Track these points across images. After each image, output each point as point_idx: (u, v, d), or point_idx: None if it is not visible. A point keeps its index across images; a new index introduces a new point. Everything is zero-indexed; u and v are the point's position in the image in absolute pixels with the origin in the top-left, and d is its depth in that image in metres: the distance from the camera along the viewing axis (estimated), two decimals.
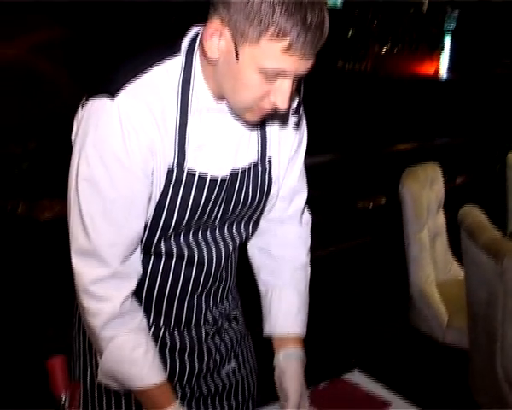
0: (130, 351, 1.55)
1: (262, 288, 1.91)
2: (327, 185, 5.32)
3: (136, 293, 1.64)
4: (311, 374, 2.09)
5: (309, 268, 1.92)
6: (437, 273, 4.04)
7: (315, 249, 1.94)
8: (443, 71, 14.64)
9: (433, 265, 3.97)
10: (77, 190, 1.48)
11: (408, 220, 3.84)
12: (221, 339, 1.86)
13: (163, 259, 1.66)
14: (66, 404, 1.24)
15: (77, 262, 1.52)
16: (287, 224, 1.87)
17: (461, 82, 12.91)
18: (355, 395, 1.97)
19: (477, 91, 11.29)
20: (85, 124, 1.48)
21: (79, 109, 1.53)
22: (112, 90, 1.46)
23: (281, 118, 1.67)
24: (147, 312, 1.69)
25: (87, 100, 1.50)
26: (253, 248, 1.92)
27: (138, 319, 1.60)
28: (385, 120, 9.88)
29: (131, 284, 1.58)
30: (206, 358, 1.83)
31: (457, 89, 12.30)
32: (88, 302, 1.53)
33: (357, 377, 2.07)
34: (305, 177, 1.87)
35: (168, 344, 1.76)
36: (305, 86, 1.58)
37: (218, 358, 1.86)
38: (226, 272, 1.78)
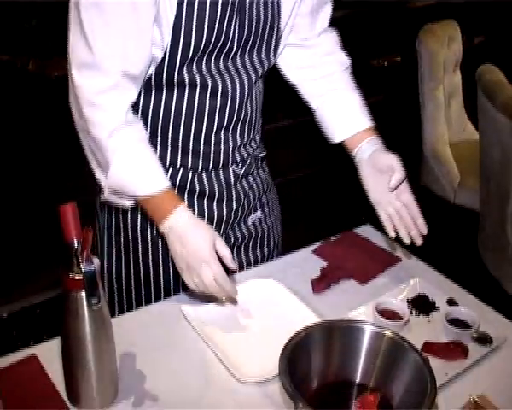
0: (135, 160, 1.55)
1: (317, 101, 1.88)
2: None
3: (163, 133, 1.67)
4: (321, 229, 2.10)
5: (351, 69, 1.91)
6: (451, 134, 4.00)
7: None
8: None
9: (447, 125, 3.93)
10: (77, 3, 1.45)
11: (424, 77, 3.77)
12: (249, 185, 1.86)
13: (186, 90, 1.63)
14: (79, 250, 1.23)
15: (78, 76, 1.50)
16: (319, 38, 1.86)
17: None
18: (366, 248, 1.97)
19: None
20: None
21: None
22: None
23: None
24: (174, 153, 1.70)
25: None
26: (297, 78, 1.90)
27: (142, 130, 1.60)
28: None
29: (133, 95, 1.57)
30: (234, 205, 1.83)
31: None
32: (92, 114, 1.52)
33: (369, 232, 2.08)
34: None
35: (197, 190, 1.75)
36: None
37: (245, 205, 1.86)
38: (251, 106, 1.75)
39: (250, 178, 1.86)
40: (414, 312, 1.70)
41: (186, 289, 1.73)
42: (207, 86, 1.63)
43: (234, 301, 1.66)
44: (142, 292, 1.84)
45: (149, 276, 1.81)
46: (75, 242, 1.25)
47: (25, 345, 1.52)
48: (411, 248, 1.97)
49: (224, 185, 1.79)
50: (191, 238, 1.52)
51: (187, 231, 1.53)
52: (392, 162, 1.71)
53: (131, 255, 1.81)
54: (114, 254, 1.84)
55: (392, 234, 1.73)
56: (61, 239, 1.26)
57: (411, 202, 1.73)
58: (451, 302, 1.72)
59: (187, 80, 1.61)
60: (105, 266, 1.86)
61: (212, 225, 1.78)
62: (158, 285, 1.82)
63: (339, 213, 3.74)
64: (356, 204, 4.24)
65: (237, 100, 1.69)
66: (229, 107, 1.68)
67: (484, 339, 1.60)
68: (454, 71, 4.01)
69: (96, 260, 1.25)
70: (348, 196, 4.35)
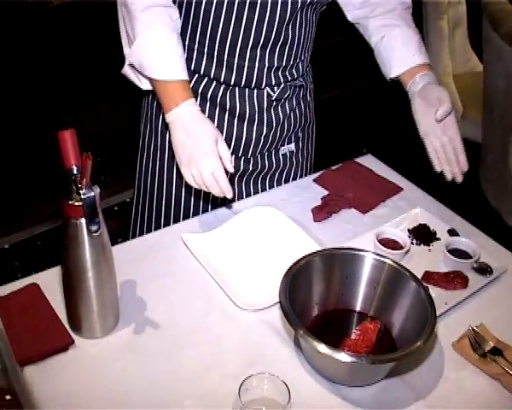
0: (162, 41, 1.57)
1: (376, 37, 1.85)
2: None
3: (201, 37, 1.67)
4: (323, 159, 2.09)
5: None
6: (454, 65, 3.94)
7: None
8: None
9: (451, 56, 3.87)
10: None
11: (428, 7, 3.69)
12: (284, 114, 1.85)
13: None
14: (78, 177, 1.22)
15: None
16: None
17: None
18: (368, 178, 1.96)
19: None
20: None
21: None
22: None
23: None
24: (209, 62, 1.70)
25: None
26: (358, 16, 1.87)
27: (176, 17, 1.63)
28: None
29: None
30: (265, 130, 1.82)
31: None
32: None
33: (370, 161, 2.06)
34: None
35: (228, 106, 1.75)
36: None
37: (278, 133, 1.85)
38: (293, 31, 1.71)
39: (287, 107, 1.84)
40: (415, 241, 1.70)
41: (187, 216, 1.74)
42: None
43: (229, 205, 1.71)
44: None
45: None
46: (74, 169, 1.23)
47: (26, 276, 1.52)
48: (413, 179, 1.96)
49: (256, 107, 1.77)
50: (196, 130, 1.55)
51: (193, 123, 1.56)
52: (441, 95, 1.69)
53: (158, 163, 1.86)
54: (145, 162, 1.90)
55: (438, 168, 1.71)
56: (60, 168, 1.25)
57: (456, 137, 1.70)
58: (452, 233, 1.72)
59: None
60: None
61: (241, 146, 1.81)
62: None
63: (340, 145, 3.73)
64: (358, 136, 4.25)
65: (276, 18, 1.65)
66: (267, 23, 1.65)
67: (484, 269, 1.60)
68: (459, 1, 3.93)
69: (96, 188, 1.24)
70: (351, 128, 4.34)
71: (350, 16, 1.88)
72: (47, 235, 3.41)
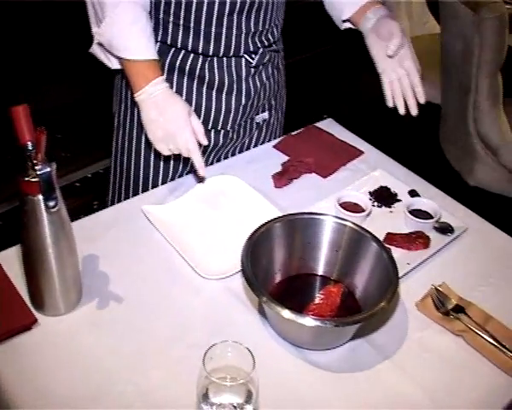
0: (132, 20, 1.55)
1: None
2: None
3: (176, 10, 1.65)
4: (285, 125, 2.08)
5: None
6: (412, 27, 3.96)
7: None
8: None
9: (408, 18, 3.88)
10: None
11: None
12: (261, 82, 1.84)
13: None
14: (33, 152, 1.20)
15: None
16: None
17: None
18: (328, 142, 1.96)
19: None
20: None
21: None
22: None
23: None
24: (185, 35, 1.68)
25: None
26: None
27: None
28: None
29: None
30: (243, 100, 1.82)
31: None
32: None
33: (331, 126, 2.06)
34: None
35: (207, 78, 1.74)
36: None
37: (255, 102, 1.85)
38: None
39: (263, 76, 1.84)
40: (376, 204, 1.71)
41: (146, 188, 1.73)
42: None
43: (201, 179, 1.69)
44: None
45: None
46: (29, 145, 1.21)
47: None
48: (374, 143, 1.97)
49: (234, 77, 1.77)
50: (169, 106, 1.57)
51: (164, 100, 1.57)
52: (392, 28, 1.68)
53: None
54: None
55: (390, 103, 1.71)
56: (15, 145, 1.23)
57: (412, 69, 1.71)
58: (413, 194, 1.73)
59: None
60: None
61: (220, 118, 1.81)
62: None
63: (302, 111, 3.72)
64: (319, 102, 4.24)
65: None
66: None
67: (445, 229, 1.62)
68: None
69: (53, 164, 1.22)
70: (312, 94, 4.33)
71: None
72: (8, 215, 3.37)
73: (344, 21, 1.84)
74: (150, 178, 1.86)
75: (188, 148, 1.57)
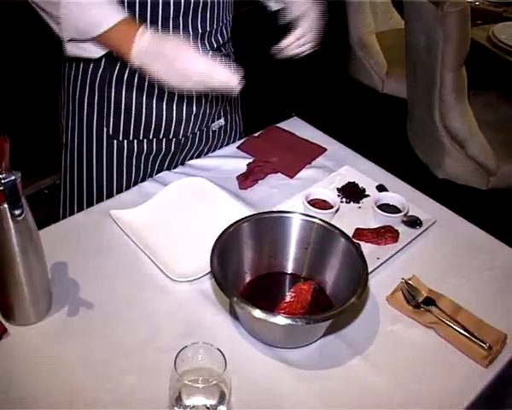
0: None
1: None
2: None
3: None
4: (248, 125, 2.08)
5: None
6: (377, 23, 3.98)
7: None
8: None
9: (373, 14, 3.90)
10: None
11: None
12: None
13: None
14: None
15: None
16: None
17: None
18: (292, 141, 1.96)
19: None
20: None
21: None
22: None
23: None
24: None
25: None
26: None
27: None
28: None
29: None
30: (194, 109, 1.80)
31: None
32: None
33: (297, 124, 2.07)
34: None
35: (156, 90, 1.71)
36: None
37: (207, 111, 1.83)
38: None
39: None
40: (344, 200, 1.71)
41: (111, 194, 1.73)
42: None
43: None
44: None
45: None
46: None
47: None
48: (340, 138, 1.98)
49: None
50: (165, 48, 1.46)
51: (158, 46, 1.46)
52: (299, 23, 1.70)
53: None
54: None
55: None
56: None
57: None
58: (381, 188, 1.74)
59: None
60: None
61: (171, 128, 1.79)
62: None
63: (269, 111, 3.73)
64: (286, 101, 4.24)
65: None
66: None
67: (413, 222, 1.63)
68: None
69: (17, 172, 1.21)
70: (276, 92, 4.33)
71: None
72: None
73: None
74: (104, 186, 1.85)
75: (204, 74, 1.45)
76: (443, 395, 1.24)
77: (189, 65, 1.45)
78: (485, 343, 1.31)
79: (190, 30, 1.68)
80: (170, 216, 1.63)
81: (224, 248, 1.33)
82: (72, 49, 1.57)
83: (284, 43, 1.68)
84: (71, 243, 1.54)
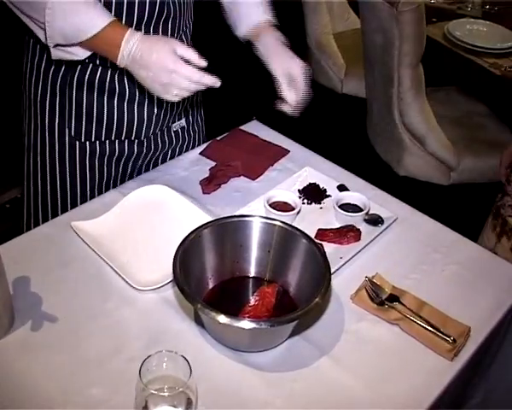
0: (69, 2, 1.47)
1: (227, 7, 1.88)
2: None
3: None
4: (209, 129, 2.08)
5: None
6: (334, 24, 4.00)
7: None
8: None
9: (330, 15, 3.92)
10: None
11: None
12: None
13: None
14: None
15: None
16: None
17: None
18: (254, 144, 1.97)
19: None
20: None
21: None
22: None
23: None
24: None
25: None
26: None
27: None
28: None
29: None
30: (156, 110, 1.80)
31: None
32: None
33: (257, 127, 2.07)
34: None
35: (117, 90, 1.71)
36: None
37: (168, 111, 1.83)
38: (174, 4, 1.69)
39: None
40: (306, 201, 1.72)
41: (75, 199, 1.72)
42: None
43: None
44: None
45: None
46: None
47: None
48: (301, 140, 1.99)
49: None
50: (150, 58, 1.46)
51: (144, 54, 1.46)
52: (292, 66, 1.69)
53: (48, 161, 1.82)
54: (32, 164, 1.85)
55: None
56: None
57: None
58: (342, 188, 1.75)
59: None
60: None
61: (133, 129, 1.79)
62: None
63: (230, 114, 3.73)
64: (247, 104, 4.24)
65: None
66: (149, 1, 1.63)
67: (375, 220, 1.64)
68: None
69: None
70: (237, 96, 4.33)
71: None
72: None
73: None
74: (68, 193, 1.85)
75: (193, 81, 1.47)
76: (411, 390, 1.25)
77: (172, 77, 1.46)
78: (449, 337, 1.33)
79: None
80: (132, 225, 1.61)
81: (187, 255, 1.33)
82: (57, 54, 1.56)
83: (286, 107, 1.70)
84: (33, 257, 1.53)
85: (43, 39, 1.53)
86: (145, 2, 1.62)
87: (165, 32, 1.71)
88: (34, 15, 1.50)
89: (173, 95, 1.49)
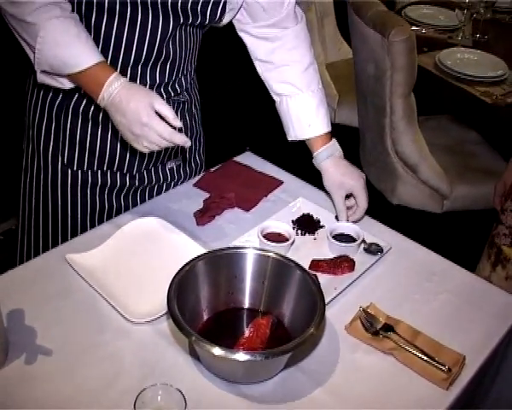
0: (61, 34, 1.48)
1: (276, 98, 1.87)
2: None
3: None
4: (208, 162, 2.09)
5: (315, 64, 1.90)
6: (326, 54, 4.04)
7: None
8: None
9: (322, 45, 3.95)
10: None
11: None
12: None
13: (105, 18, 1.59)
14: None
15: None
16: (282, 27, 1.81)
17: None
18: (248, 175, 1.98)
19: None
20: None
21: None
22: None
23: None
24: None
25: None
26: (257, 64, 1.87)
27: (68, 8, 1.54)
28: None
29: None
30: None
31: None
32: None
33: (250, 158, 2.08)
34: None
35: (111, 124, 1.69)
36: None
37: (162, 150, 1.79)
38: (174, 47, 1.70)
39: None
40: (299, 232, 1.73)
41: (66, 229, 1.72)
42: (126, 15, 1.58)
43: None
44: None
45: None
46: None
47: None
48: (292, 170, 2.00)
49: None
50: (128, 106, 1.48)
51: (122, 100, 1.49)
52: (356, 189, 1.75)
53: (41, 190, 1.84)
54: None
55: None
56: None
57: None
58: (335, 219, 1.76)
59: (106, 6, 1.56)
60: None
61: (125, 162, 1.80)
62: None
63: (224, 146, 3.75)
64: (241, 135, 4.27)
65: (158, 36, 1.64)
66: (148, 42, 1.64)
67: (369, 250, 1.65)
68: None
69: None
70: (231, 126, 4.35)
71: (257, 67, 1.88)
72: None
73: None
74: (59, 228, 1.86)
75: (164, 138, 1.49)
76: None
77: (144, 130, 1.48)
78: (444, 366, 1.33)
79: (148, 79, 1.70)
80: (126, 257, 1.62)
81: (181, 287, 1.33)
82: (43, 79, 1.58)
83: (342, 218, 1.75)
84: (27, 290, 1.52)
85: (32, 61, 1.55)
86: (144, 42, 1.63)
87: (162, 74, 1.72)
88: (27, 39, 1.52)
89: (143, 146, 1.51)
